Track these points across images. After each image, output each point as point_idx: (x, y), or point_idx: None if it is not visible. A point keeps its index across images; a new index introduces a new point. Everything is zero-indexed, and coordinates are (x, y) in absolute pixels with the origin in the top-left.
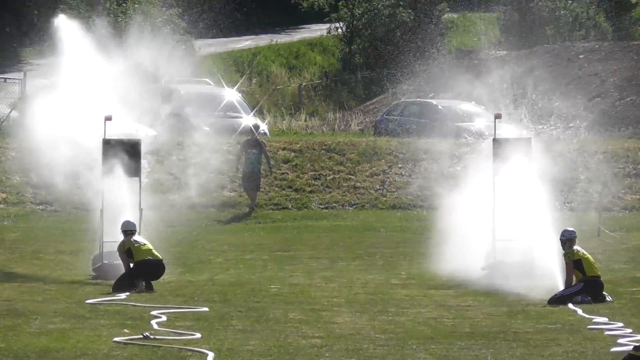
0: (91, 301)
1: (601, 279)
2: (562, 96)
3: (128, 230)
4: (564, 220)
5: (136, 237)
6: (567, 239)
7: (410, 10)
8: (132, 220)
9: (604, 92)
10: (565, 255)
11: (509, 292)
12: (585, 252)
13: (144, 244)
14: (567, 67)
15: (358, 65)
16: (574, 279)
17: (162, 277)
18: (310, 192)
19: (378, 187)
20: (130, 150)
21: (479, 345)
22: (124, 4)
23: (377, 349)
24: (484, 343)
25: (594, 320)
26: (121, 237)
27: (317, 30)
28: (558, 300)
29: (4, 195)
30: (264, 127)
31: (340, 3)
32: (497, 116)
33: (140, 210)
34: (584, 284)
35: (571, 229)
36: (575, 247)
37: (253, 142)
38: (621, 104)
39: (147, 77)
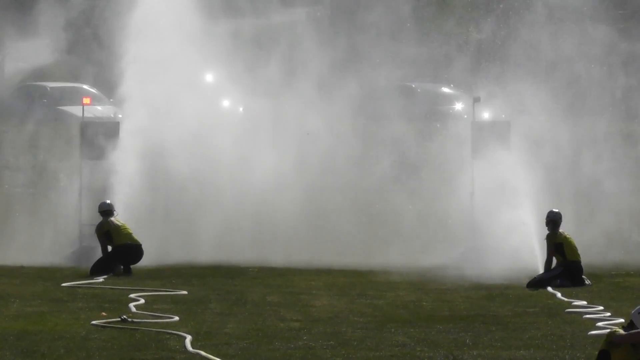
0: (68, 284)
1: (581, 263)
2: (542, 78)
3: (107, 210)
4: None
5: (114, 219)
6: (550, 220)
7: None
8: (109, 201)
9: (584, 75)
10: (547, 237)
11: (487, 275)
12: (568, 236)
13: (124, 228)
14: (546, 49)
15: None
16: (555, 262)
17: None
18: None
19: None
20: (107, 132)
21: (457, 328)
22: None
23: (356, 332)
24: (462, 326)
25: (573, 303)
26: (100, 219)
27: None
28: (537, 283)
29: None
30: None
31: None
32: (476, 99)
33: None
34: (563, 268)
35: (556, 210)
36: (560, 230)
37: None
38: (602, 86)
39: None
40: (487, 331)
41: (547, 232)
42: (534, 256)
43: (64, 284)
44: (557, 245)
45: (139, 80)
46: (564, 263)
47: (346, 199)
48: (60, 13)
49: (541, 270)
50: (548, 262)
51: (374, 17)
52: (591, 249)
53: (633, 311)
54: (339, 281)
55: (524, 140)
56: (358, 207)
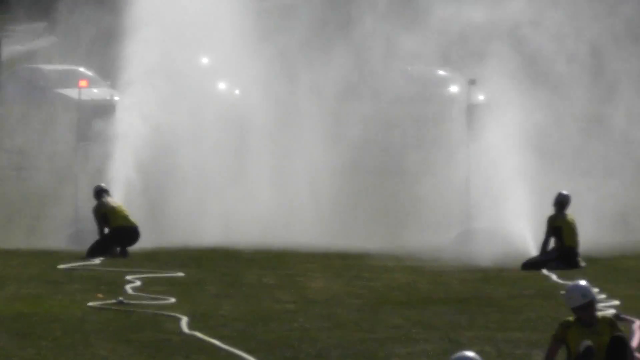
0: (64, 266)
1: (577, 249)
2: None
3: (101, 191)
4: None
5: (110, 199)
6: (556, 202)
7: None
8: (103, 184)
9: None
10: (548, 219)
11: (483, 257)
12: (571, 220)
13: (121, 210)
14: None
15: None
16: (552, 244)
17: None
18: None
19: None
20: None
21: (453, 310)
22: None
23: (351, 314)
24: (458, 308)
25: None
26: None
27: None
28: (532, 265)
29: None
30: None
31: None
32: (471, 82)
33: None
34: (559, 252)
35: (565, 192)
36: (566, 213)
37: None
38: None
39: None
40: (482, 313)
41: (555, 210)
42: (528, 239)
43: (60, 266)
44: (556, 228)
45: (141, 63)
46: (560, 248)
47: (341, 182)
48: None
49: (535, 252)
50: (545, 243)
51: None
52: (586, 231)
53: None
54: (334, 263)
55: (519, 122)
56: (353, 190)
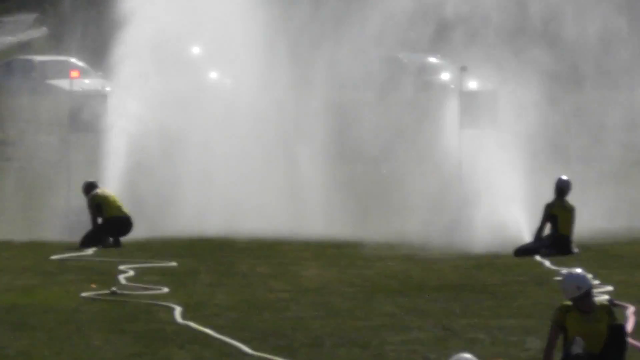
0: (57, 257)
1: (571, 237)
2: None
3: (91, 184)
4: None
5: (104, 190)
6: (557, 187)
7: None
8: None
9: (570, 46)
10: (546, 205)
11: (476, 244)
12: (569, 209)
13: (114, 201)
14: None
15: None
16: (546, 231)
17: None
18: None
19: None
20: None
21: (446, 297)
22: None
23: (345, 302)
24: (451, 295)
25: (561, 271)
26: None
27: None
28: (525, 251)
29: None
30: None
31: None
32: (463, 69)
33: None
34: (552, 240)
35: (565, 177)
36: (564, 200)
37: None
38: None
39: None
40: (476, 300)
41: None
42: (521, 226)
43: (53, 257)
44: (552, 216)
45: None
46: (553, 235)
47: (333, 170)
48: None
49: (529, 239)
50: (539, 230)
51: None
52: (580, 217)
53: None
54: (327, 252)
55: (512, 110)
56: (346, 178)
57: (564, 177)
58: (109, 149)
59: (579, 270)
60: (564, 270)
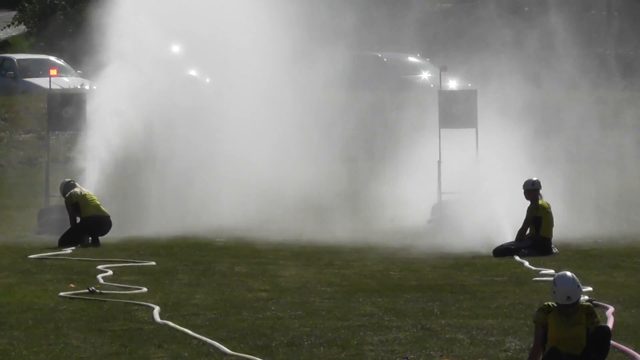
0: (35, 256)
1: (551, 239)
2: (508, 48)
3: (68, 183)
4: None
5: (82, 189)
6: (529, 190)
7: None
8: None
9: (551, 45)
10: (529, 208)
11: (454, 244)
12: (548, 208)
13: (92, 199)
14: (512, 19)
15: None
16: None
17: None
18: None
19: None
20: (76, 103)
21: (425, 297)
22: None
23: (324, 302)
24: (430, 295)
25: (540, 272)
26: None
27: None
28: (504, 251)
29: None
30: None
31: None
32: (443, 68)
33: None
34: (532, 241)
35: (534, 178)
36: (542, 201)
37: None
38: (567, 56)
39: None
40: (455, 300)
41: (525, 199)
42: (501, 225)
43: (31, 256)
44: (536, 218)
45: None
46: (534, 237)
47: (313, 168)
48: None
49: (510, 239)
50: (521, 232)
51: None
52: (560, 217)
53: None
54: (306, 251)
55: (491, 109)
56: (324, 176)
57: (534, 178)
58: (91, 148)
59: (572, 278)
60: (559, 273)
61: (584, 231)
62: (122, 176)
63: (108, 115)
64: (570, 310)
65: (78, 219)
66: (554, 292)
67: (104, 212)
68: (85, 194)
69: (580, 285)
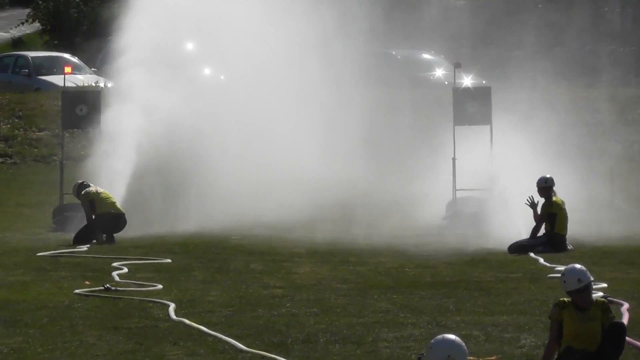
0: (47, 253)
1: (566, 235)
2: (522, 45)
3: (82, 184)
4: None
5: (97, 188)
6: (543, 187)
7: None
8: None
9: (563, 41)
10: (543, 205)
11: (470, 241)
12: (563, 204)
13: (107, 197)
14: (526, 16)
15: None
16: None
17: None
18: None
19: None
20: (90, 101)
21: (440, 294)
22: None
23: (339, 299)
24: (445, 292)
25: (555, 268)
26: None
27: None
28: (519, 248)
29: None
30: None
31: None
32: (457, 65)
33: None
34: (547, 238)
35: (548, 175)
36: (556, 197)
37: None
38: (581, 52)
39: None
40: (470, 297)
41: (539, 196)
42: (515, 222)
43: (46, 253)
44: (550, 215)
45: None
46: (549, 234)
47: (328, 165)
48: None
49: (524, 236)
50: (536, 229)
51: None
52: (574, 214)
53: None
54: (321, 248)
55: (506, 106)
56: (340, 174)
57: (547, 175)
58: (113, 148)
59: (579, 265)
60: (565, 267)
61: (599, 228)
62: (151, 174)
63: (135, 111)
64: (584, 297)
65: (93, 217)
66: (564, 282)
67: (119, 209)
68: (100, 192)
69: (588, 272)
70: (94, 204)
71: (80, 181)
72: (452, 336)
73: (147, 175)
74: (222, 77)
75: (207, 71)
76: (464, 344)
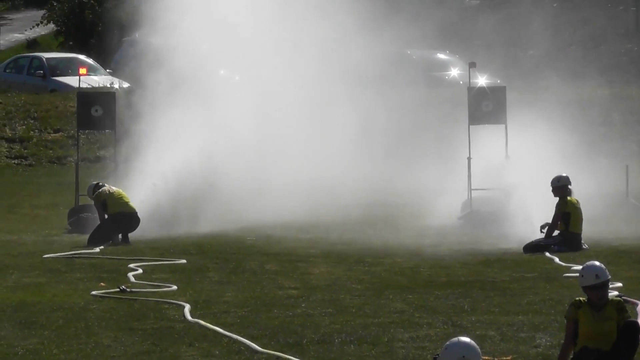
0: (65, 254)
1: (581, 234)
2: (536, 44)
3: (96, 185)
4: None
5: (110, 187)
6: (556, 186)
7: None
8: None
9: (578, 40)
10: (557, 204)
11: (485, 241)
12: (577, 204)
13: (120, 197)
14: (541, 15)
15: None
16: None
17: (138, 230)
18: None
19: None
20: (105, 102)
21: (455, 294)
22: None
23: (354, 299)
24: (460, 292)
25: (571, 268)
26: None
27: None
28: (534, 247)
29: None
30: None
31: None
32: (472, 65)
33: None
34: (563, 237)
35: (564, 174)
36: (570, 197)
37: None
38: (596, 51)
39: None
40: (485, 297)
41: (553, 196)
42: (531, 222)
43: (53, 255)
44: (565, 214)
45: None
46: (564, 233)
47: (343, 165)
48: None
49: (539, 235)
50: (551, 228)
51: None
52: (589, 212)
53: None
54: (336, 248)
55: (521, 105)
56: (355, 174)
57: (563, 174)
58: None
59: (598, 263)
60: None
61: (614, 227)
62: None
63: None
64: (600, 294)
65: (106, 217)
66: (582, 276)
67: (131, 208)
68: (113, 192)
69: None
70: (106, 204)
71: (95, 182)
72: (467, 338)
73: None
74: (237, 77)
75: (222, 72)
76: (478, 347)
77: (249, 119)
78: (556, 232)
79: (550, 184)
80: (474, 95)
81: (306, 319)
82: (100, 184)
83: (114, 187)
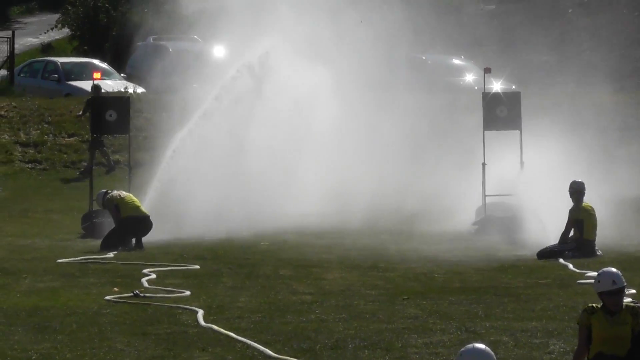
0: (79, 259)
1: (595, 241)
2: (551, 50)
3: (105, 192)
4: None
5: (120, 192)
6: (575, 191)
7: None
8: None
9: (593, 46)
10: (570, 210)
11: (499, 247)
12: (591, 210)
13: (131, 201)
14: (556, 21)
15: None
16: (571, 235)
17: (151, 235)
18: None
19: None
20: (119, 106)
21: (469, 300)
22: None
23: (368, 305)
24: (474, 298)
25: (586, 274)
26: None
27: None
28: (548, 253)
29: None
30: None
31: None
32: (487, 70)
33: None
34: (577, 244)
35: (579, 180)
36: (585, 204)
37: None
38: (611, 57)
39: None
40: (499, 303)
41: (570, 202)
42: (545, 228)
43: (66, 260)
44: (578, 221)
45: None
46: (579, 240)
47: (358, 170)
48: None
49: (553, 241)
50: (564, 234)
51: None
52: (604, 218)
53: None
54: (350, 254)
55: (536, 111)
56: (369, 179)
57: (579, 180)
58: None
59: (616, 269)
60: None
61: (629, 233)
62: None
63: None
64: (616, 300)
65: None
66: (599, 282)
67: (143, 212)
68: (124, 197)
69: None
70: (118, 207)
71: (103, 190)
72: (482, 345)
73: (179, 180)
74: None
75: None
76: (493, 354)
77: (267, 124)
78: (571, 234)
79: (573, 188)
80: (488, 100)
81: (320, 324)
82: (108, 191)
83: (124, 192)
